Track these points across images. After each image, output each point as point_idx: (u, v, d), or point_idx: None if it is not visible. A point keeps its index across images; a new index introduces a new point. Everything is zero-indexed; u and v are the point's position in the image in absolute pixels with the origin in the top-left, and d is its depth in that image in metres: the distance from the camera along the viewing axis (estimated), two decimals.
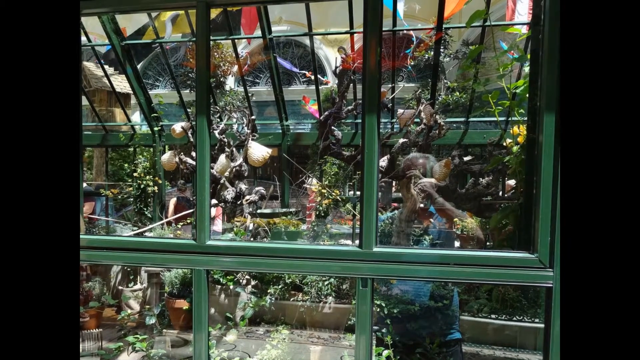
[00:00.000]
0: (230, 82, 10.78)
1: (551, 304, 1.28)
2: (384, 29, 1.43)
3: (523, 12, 5.50)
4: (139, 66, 6.55)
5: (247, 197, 4.10)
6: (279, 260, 1.51)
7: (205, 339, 1.57)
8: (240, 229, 3.78)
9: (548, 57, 1.27)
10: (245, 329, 3.35)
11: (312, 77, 6.56)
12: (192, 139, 4.09)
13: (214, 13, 5.80)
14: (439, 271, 1.39)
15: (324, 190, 4.34)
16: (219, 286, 3.61)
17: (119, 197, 7.00)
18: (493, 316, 3.32)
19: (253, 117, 4.11)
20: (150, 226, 5.32)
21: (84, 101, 7.04)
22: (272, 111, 8.64)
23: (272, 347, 2.96)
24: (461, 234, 2.52)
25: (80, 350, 3.49)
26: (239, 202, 4.11)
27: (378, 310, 2.68)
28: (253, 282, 3.72)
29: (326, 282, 3.49)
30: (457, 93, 7.20)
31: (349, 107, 2.90)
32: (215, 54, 9.55)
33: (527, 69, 2.43)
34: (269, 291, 3.53)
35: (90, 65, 7.66)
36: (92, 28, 6.78)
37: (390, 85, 6.27)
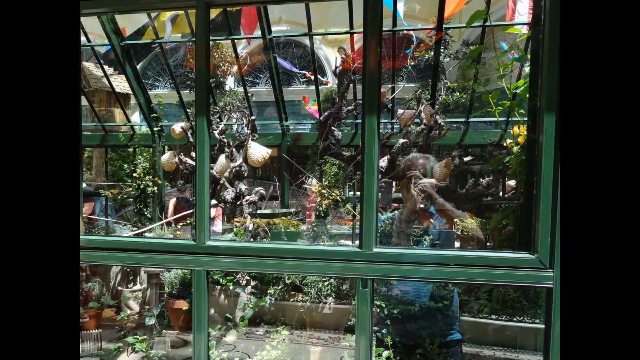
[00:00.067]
0: (230, 83, 10.77)
1: (551, 305, 1.28)
2: (384, 29, 1.43)
3: (523, 12, 5.50)
4: (138, 66, 6.55)
5: (247, 197, 4.09)
6: (278, 261, 1.50)
7: (205, 339, 1.57)
8: (240, 230, 3.78)
9: (548, 57, 1.27)
10: (245, 329, 3.34)
11: (312, 78, 6.56)
12: (191, 140, 4.09)
13: (214, 13, 5.80)
14: (439, 272, 1.38)
15: (323, 191, 4.34)
16: (219, 287, 3.61)
17: (119, 197, 7.00)
18: (493, 317, 3.32)
19: (253, 117, 4.10)
20: (150, 227, 5.32)
21: (84, 101, 7.04)
22: (272, 111, 8.64)
23: (272, 347, 2.96)
24: (461, 235, 2.52)
25: (80, 350, 3.49)
26: (238, 203, 4.11)
27: (378, 310, 2.68)
28: (253, 283, 3.72)
29: (326, 283, 3.49)
30: (457, 93, 7.20)
31: (349, 108, 2.89)
32: (215, 54, 9.54)
33: (527, 69, 2.43)
34: (268, 292, 3.53)
35: (89, 66, 7.66)
36: (92, 28, 6.77)
37: (390, 86, 6.27)
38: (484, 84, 2.83)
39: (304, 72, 9.60)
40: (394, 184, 3.01)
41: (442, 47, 7.50)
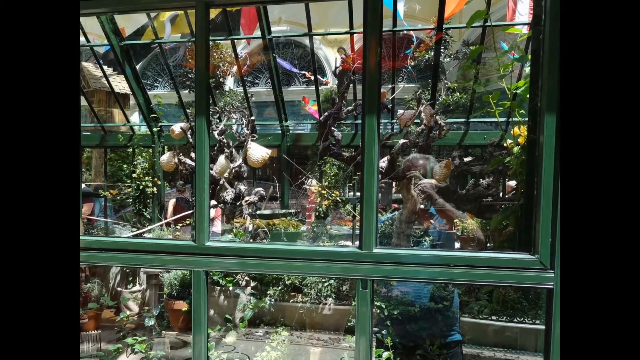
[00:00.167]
0: (229, 83, 10.78)
1: (552, 306, 1.27)
2: (384, 29, 1.43)
3: (524, 12, 5.50)
4: (137, 66, 6.54)
5: (247, 198, 4.09)
6: (278, 262, 1.50)
7: (204, 340, 1.56)
8: (240, 230, 3.77)
9: (549, 58, 1.26)
10: (245, 330, 3.34)
11: (312, 78, 6.56)
12: (191, 140, 4.08)
13: (213, 13, 5.79)
14: (439, 272, 1.38)
15: (323, 191, 4.34)
16: (219, 287, 3.61)
17: (118, 198, 6.99)
18: (494, 318, 3.32)
19: (252, 117, 4.10)
20: (149, 227, 5.32)
21: (83, 102, 7.03)
22: (272, 112, 8.64)
23: (272, 348, 2.95)
24: (461, 235, 2.51)
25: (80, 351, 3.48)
26: (238, 203, 4.10)
27: (378, 311, 2.67)
28: (252, 284, 3.71)
29: (326, 284, 3.48)
30: (458, 94, 7.19)
31: (349, 108, 2.89)
32: (215, 54, 9.55)
33: (527, 70, 2.42)
34: (268, 292, 3.52)
35: (89, 66, 7.65)
36: (91, 28, 6.77)
37: (390, 86, 6.27)
38: (484, 84, 2.83)
39: (303, 72, 9.60)
40: (394, 185, 3.01)
41: (442, 47, 7.50)
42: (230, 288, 3.55)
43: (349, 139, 5.97)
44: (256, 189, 4.27)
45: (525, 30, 4.61)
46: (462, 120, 6.13)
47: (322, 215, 4.38)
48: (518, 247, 2.05)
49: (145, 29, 6.30)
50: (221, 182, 4.08)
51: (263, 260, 1.51)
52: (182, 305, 3.60)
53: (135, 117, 9.51)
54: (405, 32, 7.65)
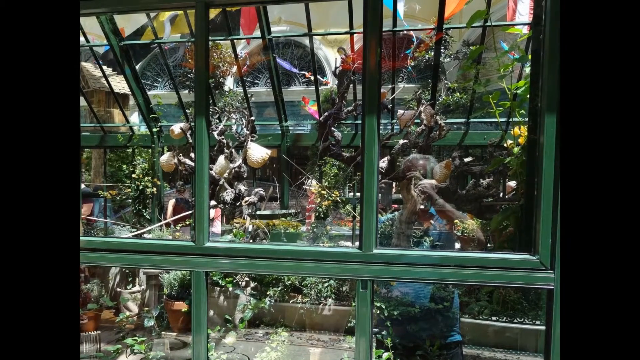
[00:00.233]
0: (229, 83, 10.78)
1: (552, 306, 1.27)
2: (384, 29, 1.43)
3: (524, 12, 5.50)
4: (137, 67, 6.54)
5: (247, 198, 4.08)
6: (278, 262, 1.49)
7: (204, 341, 1.56)
8: (240, 231, 3.77)
9: (549, 58, 1.26)
10: (245, 331, 3.34)
11: (312, 78, 6.56)
12: (191, 140, 4.08)
13: (213, 13, 5.79)
14: (439, 273, 1.38)
15: (323, 192, 4.34)
16: (218, 288, 3.60)
17: (118, 198, 6.99)
18: (494, 318, 3.32)
19: (252, 118, 4.10)
20: (149, 228, 5.32)
21: (82, 102, 7.03)
22: (272, 112, 8.64)
23: (272, 349, 2.95)
24: (462, 236, 2.50)
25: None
26: (238, 204, 4.10)
27: (378, 312, 2.67)
28: (252, 284, 3.71)
29: (326, 284, 3.48)
30: (458, 94, 7.20)
31: (349, 108, 2.89)
32: (214, 54, 9.56)
33: (528, 70, 2.42)
34: (268, 293, 3.52)
35: (88, 66, 7.65)
36: (91, 28, 6.77)
37: (390, 86, 6.27)
38: (485, 84, 2.82)
39: (303, 72, 9.61)
40: (394, 185, 3.01)
41: (442, 47, 7.51)
42: (230, 289, 3.54)
43: (349, 139, 5.97)
44: (256, 190, 4.27)
45: (525, 30, 4.61)
46: (462, 120, 6.13)
47: (322, 216, 4.38)
48: (518, 248, 2.04)
49: (144, 29, 6.30)
50: (221, 182, 4.08)
51: (263, 260, 1.51)
52: (181, 306, 3.59)
53: (134, 118, 9.51)
54: (405, 32, 7.65)
